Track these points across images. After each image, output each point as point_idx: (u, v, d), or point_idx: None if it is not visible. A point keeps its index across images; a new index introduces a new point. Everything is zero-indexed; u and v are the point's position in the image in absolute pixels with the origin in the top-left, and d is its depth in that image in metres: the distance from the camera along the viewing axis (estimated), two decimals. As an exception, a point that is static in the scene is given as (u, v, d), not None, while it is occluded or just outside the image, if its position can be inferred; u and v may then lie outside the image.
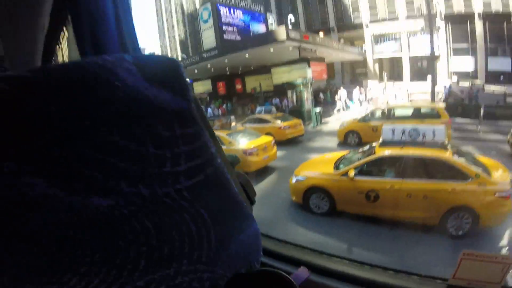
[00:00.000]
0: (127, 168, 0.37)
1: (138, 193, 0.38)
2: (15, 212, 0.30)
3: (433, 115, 13.69)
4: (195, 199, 0.45)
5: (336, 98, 25.85)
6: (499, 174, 6.03)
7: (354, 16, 41.85)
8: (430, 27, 18.23)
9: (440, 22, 34.50)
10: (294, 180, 7.16)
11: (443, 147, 6.33)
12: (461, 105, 19.11)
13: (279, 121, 16.30)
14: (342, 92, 26.19)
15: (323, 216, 6.61)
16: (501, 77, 34.55)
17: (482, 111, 16.40)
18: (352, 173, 6.32)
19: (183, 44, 68.82)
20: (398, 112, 14.84)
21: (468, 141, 14.53)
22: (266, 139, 11.31)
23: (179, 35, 71.93)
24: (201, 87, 40.39)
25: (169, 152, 0.42)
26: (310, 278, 1.37)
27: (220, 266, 0.52)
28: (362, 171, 6.50)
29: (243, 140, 10.88)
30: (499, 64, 36.46)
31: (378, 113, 15.05)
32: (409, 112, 14.59)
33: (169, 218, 0.43)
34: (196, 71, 32.60)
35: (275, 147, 11.47)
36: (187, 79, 0.48)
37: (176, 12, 71.61)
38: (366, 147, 7.60)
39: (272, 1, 49.46)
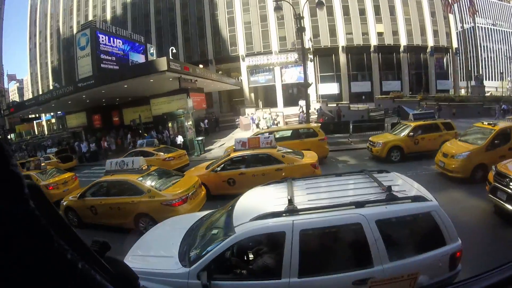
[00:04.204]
0: None
1: None
2: None
3: (311, 134, 14.22)
4: None
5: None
6: (177, 189, 8.16)
7: (231, 49, 43.60)
8: (303, 59, 19.48)
9: (310, 56, 37.96)
10: None
11: (138, 172, 8.66)
12: (332, 123, 20.60)
13: (162, 153, 15.56)
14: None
15: (76, 228, 7.84)
16: (363, 97, 39.93)
17: (351, 126, 17.87)
18: (77, 195, 9.06)
19: (56, 71, 62.29)
20: (278, 134, 14.92)
21: (343, 152, 15.78)
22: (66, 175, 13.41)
23: (51, 62, 64.98)
24: (75, 120, 36.73)
25: None
26: None
27: None
28: (92, 193, 8.89)
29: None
30: (360, 87, 42.33)
31: (260, 137, 14.97)
32: (289, 133, 14.82)
33: None
34: (69, 102, 29.23)
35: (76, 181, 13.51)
36: (16, 168, 0.39)
37: (52, 36, 64.66)
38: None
39: (153, 32, 48.86)
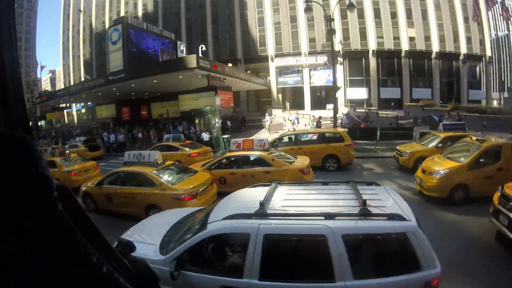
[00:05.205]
0: None
1: None
2: None
3: (337, 138, 14.07)
4: None
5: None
6: (188, 184, 8.57)
7: (260, 49, 43.77)
8: (333, 62, 19.41)
9: (339, 59, 37.60)
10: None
11: (153, 165, 9.14)
12: (359, 129, 20.34)
13: (187, 149, 15.79)
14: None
15: (92, 212, 9.36)
16: (392, 104, 39.18)
17: (378, 133, 17.62)
18: (95, 183, 9.74)
19: (87, 64, 64.47)
20: (303, 137, 14.89)
21: (369, 159, 15.62)
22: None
23: (84, 55, 67.28)
24: (104, 112, 38.19)
25: None
26: None
27: None
28: (109, 182, 9.44)
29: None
30: (389, 93, 41.45)
31: (286, 139, 14.99)
32: (315, 137, 14.72)
33: None
34: (100, 94, 30.34)
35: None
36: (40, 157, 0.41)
37: (84, 30, 67.07)
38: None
39: (183, 30, 49.61)
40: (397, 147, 14.25)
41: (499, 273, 5.54)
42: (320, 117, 26.34)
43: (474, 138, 10.07)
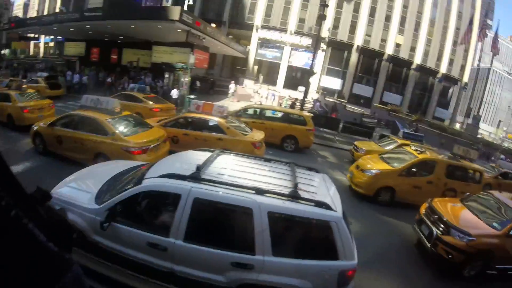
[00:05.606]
0: None
1: None
2: None
3: (300, 121, 14.05)
4: None
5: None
6: (140, 138, 8.42)
7: (248, 16, 42.49)
8: (316, 47, 19.28)
9: (323, 45, 37.43)
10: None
11: (110, 113, 8.86)
12: (325, 117, 20.46)
13: (151, 102, 15.19)
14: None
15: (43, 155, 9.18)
16: (362, 101, 39.90)
17: (341, 125, 17.80)
18: (47, 123, 9.14)
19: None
20: (268, 113, 14.73)
21: (326, 148, 15.95)
22: None
23: (63, -14, 62.56)
24: (72, 49, 35.90)
25: None
26: None
27: None
28: (62, 124, 8.95)
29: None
30: (362, 90, 42.07)
31: (251, 111, 14.76)
32: (279, 115, 14.62)
33: None
34: (72, 29, 28.32)
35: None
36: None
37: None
38: None
39: (173, -21, 47.13)
40: (355, 143, 14.59)
41: (411, 276, 5.98)
42: (296, 99, 26.25)
43: (413, 148, 10.58)
